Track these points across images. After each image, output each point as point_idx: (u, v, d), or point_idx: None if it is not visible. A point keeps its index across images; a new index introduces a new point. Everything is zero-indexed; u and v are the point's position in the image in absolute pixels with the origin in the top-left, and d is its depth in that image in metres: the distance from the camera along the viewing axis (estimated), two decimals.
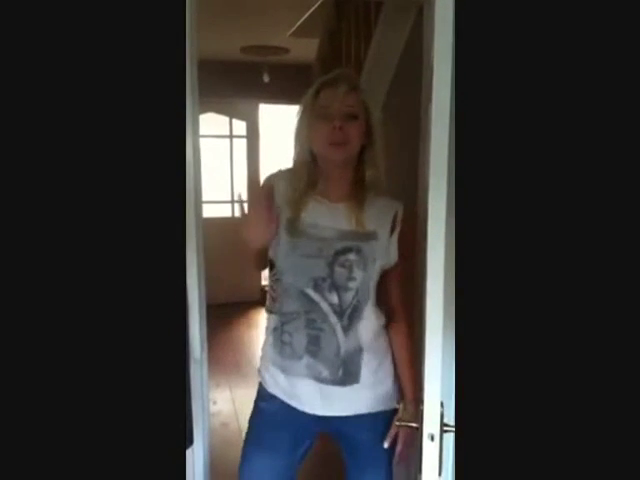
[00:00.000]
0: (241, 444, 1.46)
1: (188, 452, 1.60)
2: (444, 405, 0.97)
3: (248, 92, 5.17)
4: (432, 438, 0.97)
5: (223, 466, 2.05)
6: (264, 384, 1.43)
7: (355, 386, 1.32)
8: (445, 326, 0.95)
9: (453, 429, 0.96)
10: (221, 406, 3.20)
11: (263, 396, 1.43)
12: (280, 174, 1.40)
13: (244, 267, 5.55)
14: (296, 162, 1.38)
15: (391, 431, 1.34)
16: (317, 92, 1.31)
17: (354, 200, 1.33)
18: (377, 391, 1.35)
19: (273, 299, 1.38)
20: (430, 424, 0.97)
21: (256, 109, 5.59)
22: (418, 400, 1.27)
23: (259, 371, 1.46)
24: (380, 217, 1.33)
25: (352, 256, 1.29)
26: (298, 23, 3.77)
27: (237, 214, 5.61)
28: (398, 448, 1.34)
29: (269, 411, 1.41)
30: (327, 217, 1.32)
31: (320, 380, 1.32)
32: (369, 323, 1.32)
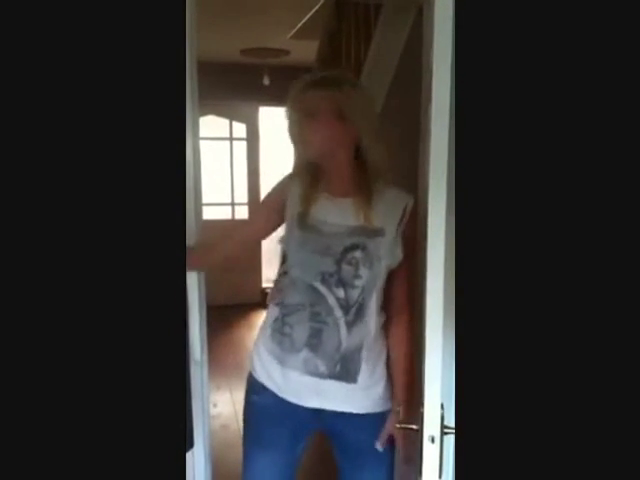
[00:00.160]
0: (241, 446, 1.46)
1: (188, 455, 1.60)
2: (444, 407, 0.97)
3: (248, 94, 5.17)
4: (432, 440, 0.97)
5: (224, 468, 2.05)
6: (254, 373, 1.42)
7: (352, 385, 1.32)
8: (445, 326, 0.95)
9: (453, 431, 0.96)
10: (221, 408, 3.19)
11: (254, 387, 1.43)
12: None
13: (244, 269, 5.59)
14: (295, 161, 1.39)
15: (383, 433, 1.33)
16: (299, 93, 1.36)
17: (361, 194, 1.32)
18: (372, 392, 1.35)
19: (278, 290, 1.38)
20: (430, 426, 0.97)
21: (256, 112, 5.60)
22: (411, 402, 1.28)
23: (250, 359, 1.45)
24: (389, 212, 1.32)
25: (358, 254, 1.29)
26: (298, 25, 3.77)
27: (237, 217, 5.62)
28: (400, 449, 1.34)
29: (262, 405, 1.41)
30: (336, 213, 1.32)
31: (316, 375, 1.32)
32: (372, 322, 1.32)
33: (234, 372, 3.45)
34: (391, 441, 1.35)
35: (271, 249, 5.94)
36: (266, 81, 4.87)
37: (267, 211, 1.44)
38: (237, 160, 5.67)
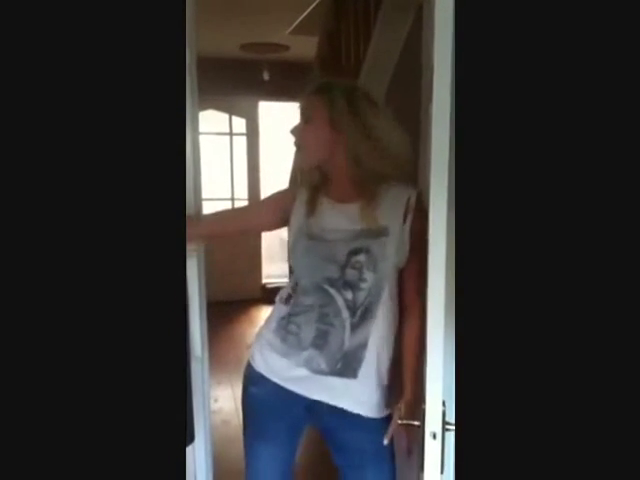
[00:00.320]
0: (242, 442, 1.46)
1: (189, 449, 1.61)
2: (445, 403, 0.97)
3: (248, 89, 5.17)
4: (434, 436, 0.97)
5: (224, 463, 2.06)
6: (253, 363, 1.43)
7: (352, 381, 1.32)
8: (445, 323, 0.95)
9: (454, 427, 0.97)
10: (222, 404, 3.20)
11: (252, 378, 1.43)
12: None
13: (245, 266, 5.60)
14: (293, 165, 1.41)
15: (391, 427, 1.33)
16: None
17: (364, 197, 1.32)
18: (371, 391, 1.34)
19: (289, 295, 1.39)
20: (432, 422, 0.97)
21: (256, 107, 5.59)
22: (415, 400, 1.28)
23: (249, 349, 1.46)
24: (391, 209, 1.31)
25: (362, 257, 1.29)
26: (298, 20, 3.76)
27: None
28: (403, 443, 1.34)
29: (261, 396, 1.41)
30: (339, 219, 1.33)
31: (317, 372, 1.32)
32: (380, 322, 1.31)
33: (235, 368, 3.44)
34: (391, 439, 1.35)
35: (271, 246, 5.96)
36: (266, 76, 4.87)
37: (275, 205, 1.45)
38: (237, 155, 5.66)
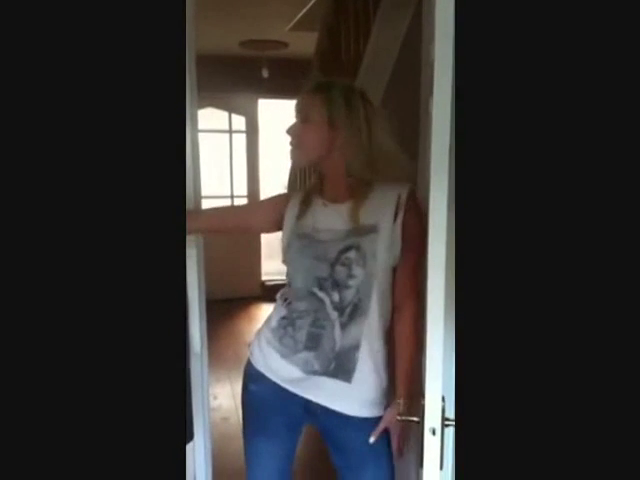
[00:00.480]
0: (242, 438, 1.47)
1: (188, 447, 1.61)
2: (444, 399, 0.98)
3: (247, 87, 5.16)
4: (434, 432, 0.98)
5: (224, 460, 2.06)
6: (252, 360, 1.44)
7: (346, 384, 1.32)
8: (445, 319, 0.95)
9: (453, 423, 0.97)
10: (221, 401, 3.21)
11: (251, 375, 1.44)
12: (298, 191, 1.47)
13: (244, 263, 5.59)
14: (291, 165, 1.42)
15: (380, 426, 1.33)
16: None
17: (356, 197, 1.32)
18: (366, 395, 1.34)
19: (289, 298, 1.40)
20: (431, 418, 0.97)
21: (255, 104, 5.58)
22: (409, 398, 1.28)
23: (249, 346, 1.46)
24: (381, 207, 1.31)
25: (352, 254, 1.29)
26: (297, 17, 3.76)
27: None
28: (394, 442, 1.34)
29: (260, 394, 1.42)
30: (332, 219, 1.34)
31: (312, 372, 1.33)
32: (371, 321, 1.31)
33: (234, 365, 3.45)
34: (388, 437, 1.35)
35: (270, 243, 5.96)
36: (265, 73, 4.85)
37: (273, 207, 1.46)
38: (236, 153, 5.66)
